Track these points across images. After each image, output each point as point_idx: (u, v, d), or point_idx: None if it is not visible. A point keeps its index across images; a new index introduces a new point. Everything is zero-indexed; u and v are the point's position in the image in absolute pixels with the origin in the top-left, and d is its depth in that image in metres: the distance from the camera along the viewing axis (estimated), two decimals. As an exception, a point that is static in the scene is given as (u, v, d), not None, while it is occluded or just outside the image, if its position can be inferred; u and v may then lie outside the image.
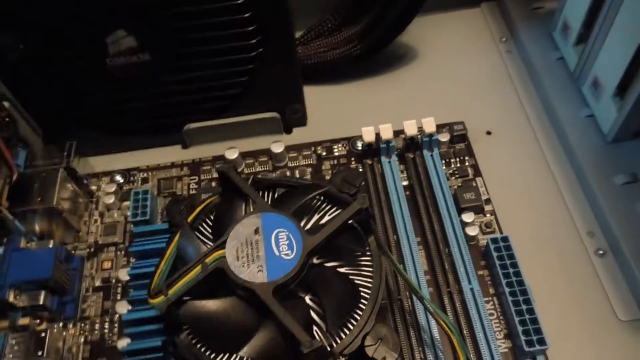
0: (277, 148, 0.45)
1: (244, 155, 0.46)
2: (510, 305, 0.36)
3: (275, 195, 0.39)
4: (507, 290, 0.36)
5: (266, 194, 0.39)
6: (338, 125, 0.48)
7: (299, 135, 0.49)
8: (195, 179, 0.46)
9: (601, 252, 0.41)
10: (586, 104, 0.46)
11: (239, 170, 0.46)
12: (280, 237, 0.34)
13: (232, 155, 0.45)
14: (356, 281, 0.35)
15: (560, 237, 0.42)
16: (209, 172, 0.46)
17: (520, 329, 0.35)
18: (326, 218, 0.37)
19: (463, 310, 0.37)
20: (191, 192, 0.45)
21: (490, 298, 0.38)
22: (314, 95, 0.50)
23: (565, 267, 0.40)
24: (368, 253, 0.35)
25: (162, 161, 0.47)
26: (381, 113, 0.48)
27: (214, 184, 0.45)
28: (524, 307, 0.36)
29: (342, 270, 0.35)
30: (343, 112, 0.50)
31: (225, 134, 0.48)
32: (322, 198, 0.38)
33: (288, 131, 0.49)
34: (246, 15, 0.41)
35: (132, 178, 0.46)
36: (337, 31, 0.50)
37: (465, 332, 0.36)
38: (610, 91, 0.43)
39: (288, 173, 0.45)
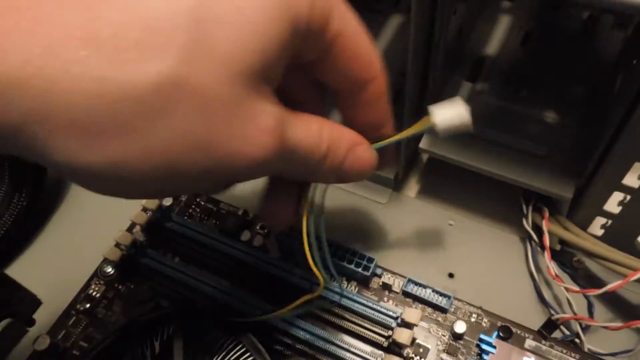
0: (41, 345, 0.38)
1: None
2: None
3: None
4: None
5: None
6: (64, 275, 0.44)
7: (44, 318, 0.42)
8: None
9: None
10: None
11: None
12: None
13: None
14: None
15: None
16: None
17: (352, 268, 0.39)
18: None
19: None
20: None
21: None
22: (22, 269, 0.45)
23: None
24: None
25: None
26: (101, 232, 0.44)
27: None
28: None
29: None
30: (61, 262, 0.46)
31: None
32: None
33: (30, 324, 0.41)
34: None
35: None
36: None
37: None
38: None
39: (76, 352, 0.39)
